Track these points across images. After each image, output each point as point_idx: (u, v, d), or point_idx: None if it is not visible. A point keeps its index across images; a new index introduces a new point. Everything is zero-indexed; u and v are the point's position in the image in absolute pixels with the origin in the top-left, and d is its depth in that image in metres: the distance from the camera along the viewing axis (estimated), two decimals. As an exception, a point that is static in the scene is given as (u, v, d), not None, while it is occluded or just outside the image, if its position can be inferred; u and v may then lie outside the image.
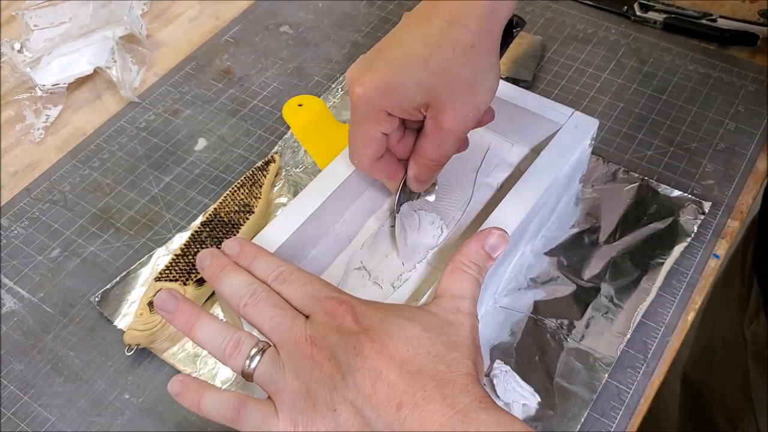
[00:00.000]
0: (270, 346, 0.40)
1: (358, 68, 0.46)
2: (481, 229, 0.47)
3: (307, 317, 0.40)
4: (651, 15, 0.72)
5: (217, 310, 0.53)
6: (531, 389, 0.47)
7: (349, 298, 0.40)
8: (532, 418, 0.47)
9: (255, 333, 0.41)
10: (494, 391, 0.47)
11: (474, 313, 0.41)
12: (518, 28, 0.55)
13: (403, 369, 0.36)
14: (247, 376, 0.39)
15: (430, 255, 0.52)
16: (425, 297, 0.45)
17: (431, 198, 0.54)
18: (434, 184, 0.54)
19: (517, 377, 0.48)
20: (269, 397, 0.39)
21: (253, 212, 0.56)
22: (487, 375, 0.48)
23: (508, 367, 0.48)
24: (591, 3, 0.74)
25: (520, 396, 0.47)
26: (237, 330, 0.40)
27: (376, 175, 0.50)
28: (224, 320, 0.42)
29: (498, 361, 0.48)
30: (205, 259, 0.44)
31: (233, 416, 0.39)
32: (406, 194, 0.52)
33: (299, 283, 0.41)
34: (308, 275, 0.42)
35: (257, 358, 0.39)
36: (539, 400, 0.47)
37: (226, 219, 0.55)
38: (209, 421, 0.48)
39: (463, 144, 0.51)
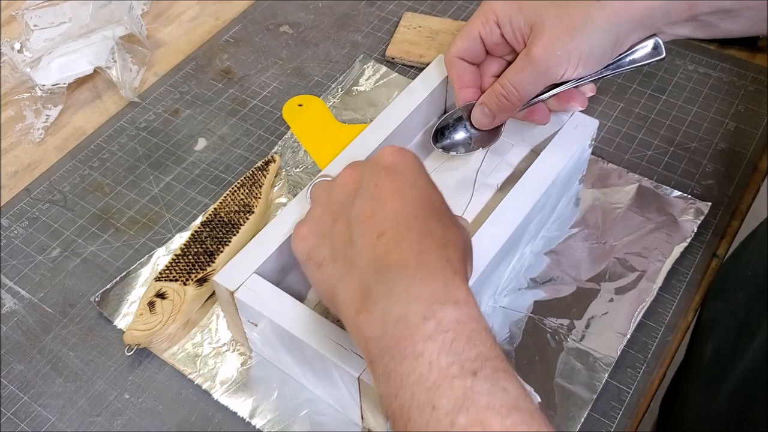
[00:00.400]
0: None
1: None
2: (481, 228, 0.47)
3: None
4: (651, 15, 0.72)
5: (217, 310, 0.53)
6: (531, 389, 0.47)
7: (359, 165, 0.42)
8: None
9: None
10: None
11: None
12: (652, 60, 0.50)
13: (404, 211, 0.37)
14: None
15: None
16: None
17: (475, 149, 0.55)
18: (496, 135, 0.54)
19: (524, 374, 0.48)
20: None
21: (253, 212, 0.56)
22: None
23: None
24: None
25: None
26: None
27: (451, 73, 0.53)
28: None
29: None
30: None
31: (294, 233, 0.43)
32: (460, 127, 0.54)
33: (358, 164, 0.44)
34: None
35: (312, 184, 0.46)
36: (539, 400, 0.47)
37: (226, 219, 0.55)
38: (209, 421, 0.48)
39: (542, 114, 0.53)
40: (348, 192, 0.40)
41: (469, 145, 0.54)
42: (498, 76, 0.51)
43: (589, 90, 0.53)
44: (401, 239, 0.36)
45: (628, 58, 0.48)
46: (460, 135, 0.54)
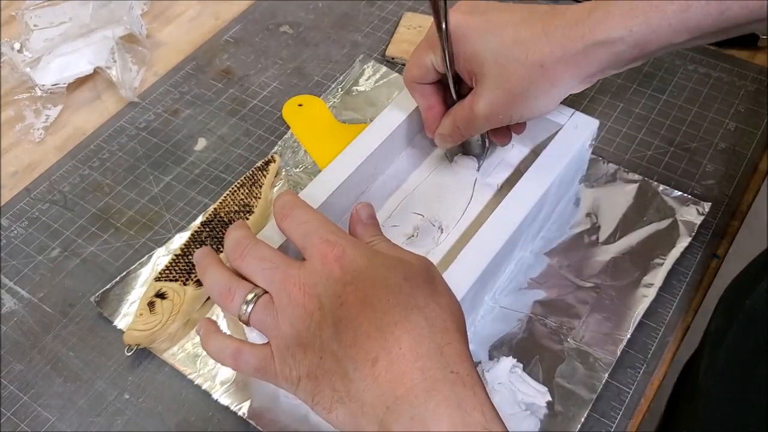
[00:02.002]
0: (265, 292, 0.40)
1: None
2: (481, 230, 0.47)
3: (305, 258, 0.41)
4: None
5: (217, 310, 0.53)
6: (545, 389, 0.47)
7: (341, 241, 0.39)
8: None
9: None
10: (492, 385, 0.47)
11: (423, 259, 0.42)
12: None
13: (382, 321, 0.36)
14: (244, 322, 0.40)
15: (430, 255, 0.52)
16: None
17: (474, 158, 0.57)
18: (485, 148, 0.56)
19: (526, 376, 0.48)
20: (268, 342, 0.41)
21: (253, 212, 0.56)
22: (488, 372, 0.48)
23: (519, 368, 0.48)
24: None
25: (529, 395, 0.47)
26: (233, 278, 0.41)
27: (413, 96, 0.52)
28: (228, 269, 0.43)
29: (504, 359, 0.48)
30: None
31: (231, 363, 0.41)
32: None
33: (297, 222, 0.42)
34: (308, 213, 0.42)
35: (251, 305, 0.40)
36: (549, 398, 0.47)
37: (226, 219, 0.55)
38: (209, 421, 0.48)
39: (503, 136, 0.54)
40: (314, 321, 0.38)
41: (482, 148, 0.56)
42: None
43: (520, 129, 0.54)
44: (397, 360, 0.35)
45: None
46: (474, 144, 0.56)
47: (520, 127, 0.54)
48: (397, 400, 0.35)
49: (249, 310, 0.40)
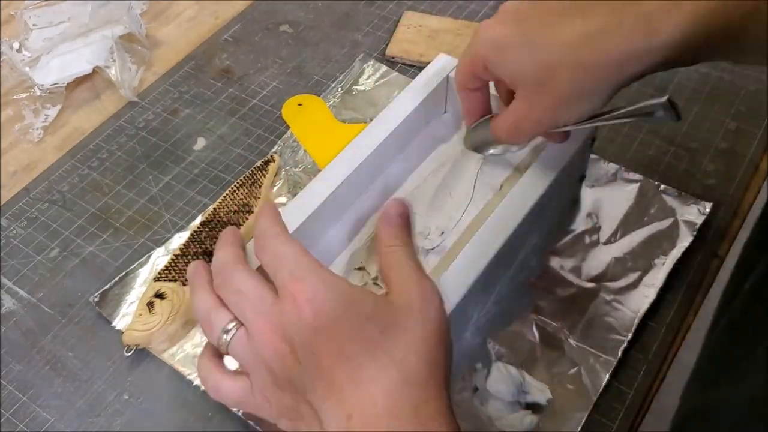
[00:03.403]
0: (242, 324, 0.40)
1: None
2: (481, 229, 0.47)
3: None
4: (652, 14, 0.72)
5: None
6: (545, 387, 0.47)
7: (313, 279, 0.37)
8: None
9: None
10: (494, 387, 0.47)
11: (424, 292, 0.40)
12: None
13: (355, 376, 0.35)
14: (223, 352, 0.40)
15: (430, 255, 0.52)
16: None
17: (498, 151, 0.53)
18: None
19: (526, 375, 0.48)
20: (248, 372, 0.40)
21: (252, 212, 0.55)
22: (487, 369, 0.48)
23: (514, 370, 0.48)
24: (591, 2, 0.74)
25: (529, 395, 0.47)
26: (214, 305, 0.40)
27: (462, 101, 0.50)
28: (212, 292, 0.41)
29: (500, 364, 0.48)
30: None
31: (213, 395, 0.41)
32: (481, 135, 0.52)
33: (271, 255, 0.40)
34: (282, 244, 0.40)
35: (228, 336, 0.39)
36: (550, 396, 0.47)
37: (225, 219, 0.55)
38: (208, 421, 0.48)
39: (555, 136, 0.49)
40: (287, 365, 0.37)
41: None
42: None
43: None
44: (371, 419, 0.35)
45: (634, 116, 0.44)
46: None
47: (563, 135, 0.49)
48: None
49: (227, 341, 0.39)
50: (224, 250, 0.42)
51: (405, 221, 0.44)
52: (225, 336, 0.39)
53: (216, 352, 0.41)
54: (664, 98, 0.41)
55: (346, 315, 0.37)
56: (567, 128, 0.45)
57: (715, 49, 0.40)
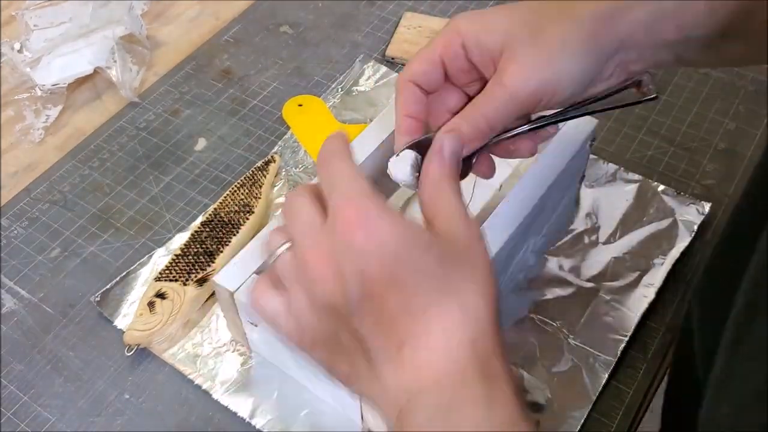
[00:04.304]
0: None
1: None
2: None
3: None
4: (651, 15, 0.72)
5: (217, 310, 0.53)
6: (542, 386, 0.47)
7: (370, 204, 0.34)
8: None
9: None
10: None
11: (473, 228, 0.37)
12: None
13: (410, 305, 0.33)
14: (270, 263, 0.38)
15: None
16: None
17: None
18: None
19: (526, 375, 0.48)
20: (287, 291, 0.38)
21: (253, 212, 0.56)
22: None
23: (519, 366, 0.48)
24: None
25: (529, 394, 0.47)
26: (275, 229, 0.39)
27: (398, 98, 0.44)
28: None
29: None
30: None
31: (252, 304, 0.39)
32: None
33: (330, 171, 0.37)
34: (343, 164, 0.37)
35: (278, 252, 0.37)
36: (549, 396, 0.47)
37: (226, 219, 0.55)
38: (209, 421, 0.48)
39: (486, 166, 0.45)
40: (335, 293, 0.34)
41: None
42: (455, 113, 0.43)
43: (546, 135, 0.45)
44: (425, 348, 0.33)
45: (610, 97, 0.42)
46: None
47: (488, 167, 0.45)
48: (422, 390, 0.33)
49: (274, 257, 0.37)
50: (298, 189, 0.40)
51: (457, 160, 0.40)
52: (274, 254, 0.38)
53: (268, 282, 0.39)
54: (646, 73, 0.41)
55: (400, 243, 0.34)
56: (555, 116, 0.42)
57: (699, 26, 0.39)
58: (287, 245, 0.37)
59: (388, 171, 0.45)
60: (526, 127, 0.43)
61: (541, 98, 0.40)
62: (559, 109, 0.42)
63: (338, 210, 0.35)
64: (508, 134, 0.43)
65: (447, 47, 0.42)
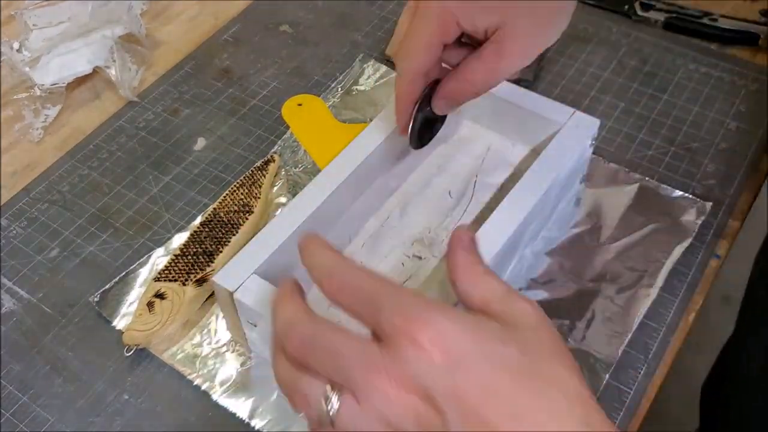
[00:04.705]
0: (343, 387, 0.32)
1: None
2: (479, 231, 0.47)
3: (376, 337, 0.32)
4: (652, 14, 0.72)
5: (216, 310, 0.53)
6: None
7: (434, 316, 0.31)
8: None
9: None
10: None
11: (531, 305, 0.34)
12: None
13: (515, 407, 0.30)
14: (328, 425, 0.32)
15: (430, 256, 0.52)
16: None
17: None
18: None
19: None
20: None
21: (252, 212, 0.55)
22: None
23: None
24: (592, 2, 0.74)
25: None
26: (300, 374, 0.33)
27: (405, 91, 0.46)
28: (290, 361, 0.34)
29: None
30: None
31: None
32: (420, 121, 0.49)
33: (357, 293, 0.33)
34: (368, 279, 0.33)
35: (333, 406, 0.31)
36: None
37: (225, 219, 0.55)
38: (208, 421, 0.48)
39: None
40: (425, 421, 0.30)
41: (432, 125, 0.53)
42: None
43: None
44: None
45: None
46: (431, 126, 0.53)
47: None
48: None
49: (333, 412, 0.31)
50: (288, 306, 0.34)
51: (476, 246, 0.38)
52: (328, 407, 0.31)
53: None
54: None
55: (479, 345, 0.31)
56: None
57: None
58: (334, 392, 0.32)
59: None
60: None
61: (532, 49, 0.43)
62: None
63: (400, 333, 0.31)
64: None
65: (443, 28, 0.43)
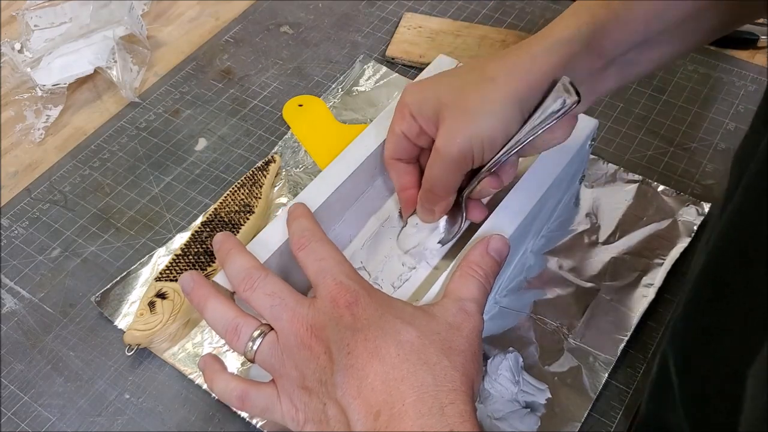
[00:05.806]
0: (271, 329, 0.41)
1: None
2: (478, 233, 0.47)
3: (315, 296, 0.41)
4: (651, 15, 0.72)
5: (217, 310, 0.53)
6: (545, 386, 0.47)
7: (356, 286, 0.40)
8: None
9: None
10: (497, 381, 0.47)
11: (477, 315, 0.41)
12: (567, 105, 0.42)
13: (389, 375, 0.37)
14: (249, 359, 0.41)
15: (430, 255, 0.52)
16: (425, 298, 0.45)
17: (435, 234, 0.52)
18: (454, 222, 0.51)
19: (526, 374, 0.48)
20: (273, 379, 0.41)
21: (253, 212, 0.56)
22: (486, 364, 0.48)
23: (519, 364, 0.48)
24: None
25: (529, 393, 0.47)
26: (239, 314, 0.42)
27: (391, 176, 0.51)
28: (230, 302, 0.43)
29: (504, 357, 0.48)
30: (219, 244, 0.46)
31: (238, 405, 0.42)
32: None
33: (314, 256, 0.42)
34: (326, 248, 0.42)
35: (258, 342, 0.41)
36: (549, 396, 0.47)
37: (226, 219, 0.55)
38: (209, 421, 0.48)
39: (476, 211, 0.50)
40: (320, 365, 0.38)
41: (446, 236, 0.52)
42: None
43: (509, 170, 0.47)
44: (399, 416, 0.35)
45: (542, 117, 0.43)
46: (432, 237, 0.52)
47: (496, 180, 0.47)
48: None
49: (255, 348, 0.41)
50: (243, 258, 0.43)
51: (502, 261, 0.45)
52: (251, 344, 0.41)
53: (223, 367, 0.44)
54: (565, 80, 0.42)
55: (383, 318, 0.38)
56: (500, 156, 0.44)
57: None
58: (260, 331, 0.41)
59: (400, 244, 0.52)
60: (484, 173, 0.46)
61: (471, 154, 0.44)
62: (502, 152, 0.45)
63: (327, 292, 0.39)
64: (477, 182, 0.47)
65: (402, 120, 0.47)
